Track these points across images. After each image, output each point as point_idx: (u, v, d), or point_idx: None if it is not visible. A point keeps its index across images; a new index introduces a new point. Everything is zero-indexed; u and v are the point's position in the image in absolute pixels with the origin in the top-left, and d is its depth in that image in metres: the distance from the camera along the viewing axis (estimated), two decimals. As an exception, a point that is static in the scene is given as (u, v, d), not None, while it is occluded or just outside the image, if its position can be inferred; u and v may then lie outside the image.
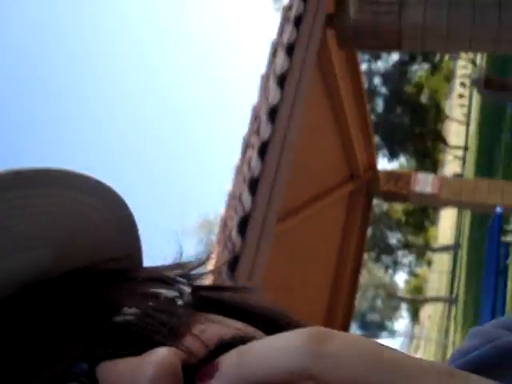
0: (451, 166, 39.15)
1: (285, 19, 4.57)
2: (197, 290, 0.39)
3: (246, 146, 4.88)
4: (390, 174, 7.33)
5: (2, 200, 0.32)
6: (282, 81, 3.90)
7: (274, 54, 4.65)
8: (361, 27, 4.47)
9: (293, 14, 4.25)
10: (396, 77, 25.58)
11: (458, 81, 36.40)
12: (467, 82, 31.34)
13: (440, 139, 30.31)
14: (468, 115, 36.63)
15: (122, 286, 0.37)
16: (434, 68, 28.16)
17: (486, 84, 11.40)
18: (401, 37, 4.47)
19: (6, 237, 0.33)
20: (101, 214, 0.38)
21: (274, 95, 3.84)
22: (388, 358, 0.23)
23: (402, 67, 25.88)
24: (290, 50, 4.02)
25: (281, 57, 4.03)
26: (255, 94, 4.87)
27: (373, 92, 25.45)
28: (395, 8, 4.45)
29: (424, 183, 6.79)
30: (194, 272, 0.41)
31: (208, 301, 0.38)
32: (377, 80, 26.21)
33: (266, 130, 3.78)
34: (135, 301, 0.35)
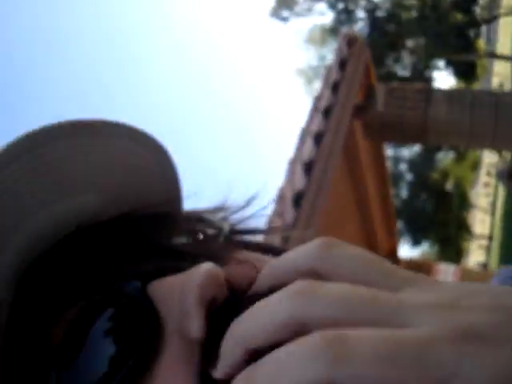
0: (475, 254, 38.58)
1: (314, 108, 4.80)
2: (234, 231, 0.41)
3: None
4: (411, 263, 7.32)
5: (69, 145, 0.36)
6: (308, 168, 4.05)
7: (302, 140, 4.85)
8: (387, 120, 4.66)
9: (323, 104, 4.47)
10: (422, 163, 25.82)
11: (484, 170, 36.54)
12: (493, 171, 31.41)
13: (464, 228, 30.05)
14: (493, 204, 36.46)
15: (167, 224, 0.39)
16: (460, 157, 28.43)
17: (510, 176, 11.47)
18: (426, 131, 4.64)
19: (63, 179, 0.36)
20: (148, 164, 0.41)
21: (300, 181, 3.98)
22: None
23: (427, 154, 26.18)
24: (318, 138, 4.21)
25: (309, 144, 4.21)
26: (281, 177, 5.04)
27: (398, 177, 25.64)
28: (421, 104, 4.65)
29: (445, 274, 6.77)
30: (235, 216, 0.43)
31: (241, 241, 0.41)
32: (402, 166, 26.46)
33: (289, 214, 3.90)
34: (180, 231, 0.38)
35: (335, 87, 4.44)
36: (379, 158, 5.48)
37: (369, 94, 4.82)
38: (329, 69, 4.77)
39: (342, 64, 4.59)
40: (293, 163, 4.85)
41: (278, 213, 4.56)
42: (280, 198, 4.99)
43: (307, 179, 4.03)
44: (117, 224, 0.38)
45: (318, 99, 4.82)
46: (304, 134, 4.81)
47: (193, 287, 0.29)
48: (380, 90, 4.78)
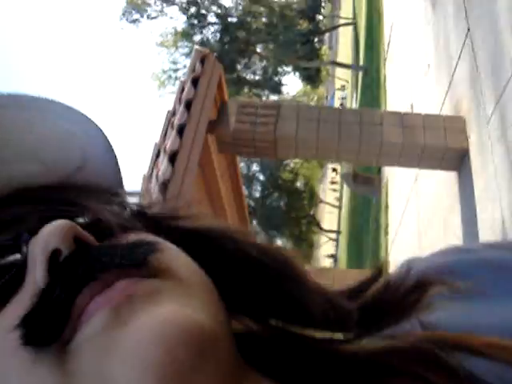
0: (326, 247, 40.98)
1: (168, 124, 4.81)
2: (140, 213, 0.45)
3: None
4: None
5: (11, 116, 0.41)
6: (164, 186, 4.05)
7: (157, 156, 4.83)
8: (239, 136, 4.80)
9: (176, 121, 4.49)
10: (273, 164, 26.79)
11: (330, 167, 38.90)
12: (338, 169, 33.49)
13: (314, 223, 31.78)
14: (340, 200, 38.96)
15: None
16: (308, 157, 29.93)
17: (354, 177, 12.40)
18: (275, 147, 4.86)
19: (8, 148, 0.41)
20: (79, 140, 0.45)
21: (156, 195, 3.98)
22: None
23: (278, 155, 27.27)
24: (173, 156, 4.22)
25: (164, 163, 4.20)
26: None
27: (251, 178, 26.38)
28: (271, 120, 4.85)
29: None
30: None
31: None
32: (255, 167, 27.28)
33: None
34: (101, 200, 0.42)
35: (188, 104, 4.48)
36: (233, 169, 5.63)
37: (221, 109, 4.93)
38: (182, 85, 4.79)
39: (195, 81, 4.64)
40: (147, 180, 4.81)
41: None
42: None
43: (163, 196, 4.02)
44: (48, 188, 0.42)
45: (171, 114, 4.83)
46: (159, 150, 4.80)
47: (40, 240, 0.34)
48: (232, 106, 4.91)
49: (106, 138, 0.47)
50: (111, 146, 0.48)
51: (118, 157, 0.48)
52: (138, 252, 0.35)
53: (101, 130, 0.47)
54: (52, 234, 0.34)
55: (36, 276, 0.34)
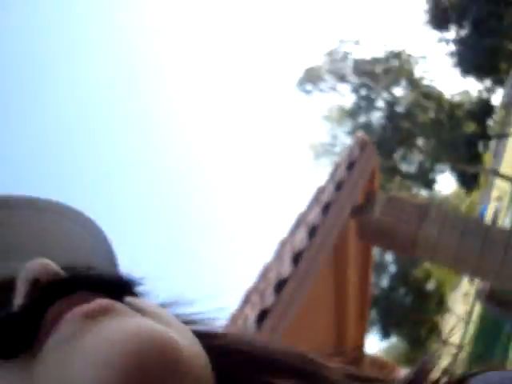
0: (443, 359, 38.15)
1: (315, 199, 5.01)
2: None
3: (245, 302, 5.10)
4: (375, 360, 7.39)
5: (21, 215, 0.46)
6: (297, 256, 4.21)
7: (296, 227, 5.03)
8: (381, 227, 4.86)
9: (324, 198, 4.67)
10: (407, 258, 25.94)
11: (466, 278, 36.69)
12: (476, 281, 31.47)
13: (436, 331, 29.94)
14: (469, 314, 36.40)
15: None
16: (446, 260, 28.63)
17: (489, 296, 11.62)
18: (414, 246, 4.83)
19: (14, 244, 0.46)
20: (87, 245, 0.49)
21: (286, 267, 4.13)
22: None
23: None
24: (313, 230, 4.39)
25: (302, 234, 4.38)
26: (269, 255, 5.19)
27: (381, 267, 25.74)
28: (415, 219, 4.86)
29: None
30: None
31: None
32: (388, 257, 26.61)
33: (270, 297, 4.03)
34: None
35: (339, 185, 4.65)
36: (366, 257, 5.65)
37: (369, 198, 5.04)
38: (337, 166, 5.00)
39: (351, 165, 4.83)
40: (282, 246, 5.01)
41: (259, 290, 4.69)
42: (263, 277, 5.13)
43: (293, 267, 4.18)
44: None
45: (320, 191, 5.03)
46: (299, 221, 5.00)
47: (22, 273, 0.38)
48: (380, 197, 5.00)
49: (109, 243, 0.52)
50: (114, 252, 0.52)
51: (118, 259, 0.52)
52: (116, 285, 0.38)
53: (105, 235, 0.52)
54: (33, 268, 0.37)
55: (16, 299, 0.38)
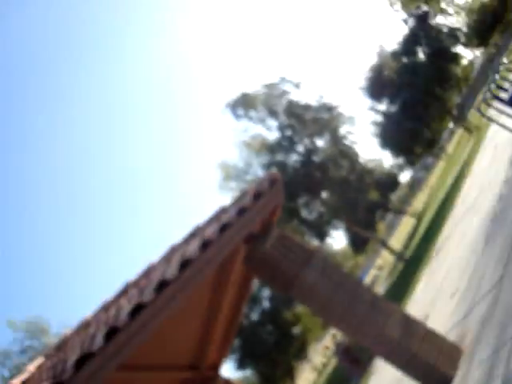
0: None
1: (215, 217, 5.26)
2: None
3: (123, 293, 5.21)
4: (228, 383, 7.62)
5: None
6: (184, 263, 4.39)
7: (191, 236, 5.24)
8: (267, 259, 5.17)
9: (224, 218, 4.91)
10: (283, 297, 26.69)
11: (331, 333, 38.22)
12: (338, 337, 32.78)
13: (290, 376, 30.84)
14: (324, 366, 37.81)
15: None
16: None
17: (345, 351, 12.36)
18: (293, 285, 5.18)
19: None
20: None
21: (171, 272, 4.30)
22: None
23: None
24: (206, 244, 4.60)
25: (195, 245, 4.59)
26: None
27: (256, 299, 26.31)
28: (300, 261, 5.22)
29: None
30: None
31: None
32: (265, 292, 27.27)
33: (148, 295, 4.17)
34: None
35: (241, 211, 4.92)
36: (246, 286, 5.94)
37: (265, 230, 5.36)
38: (244, 192, 5.29)
39: (258, 195, 5.12)
40: (173, 251, 5.19)
41: (139, 286, 4.82)
42: (146, 274, 5.26)
43: (179, 273, 4.35)
44: None
45: (222, 211, 5.29)
46: (195, 233, 5.21)
47: None
48: (275, 232, 5.33)
49: None
50: None
51: None
52: None
53: None
54: None
55: None
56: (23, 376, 4.60)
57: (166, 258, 5.09)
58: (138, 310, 3.97)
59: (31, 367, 4.79)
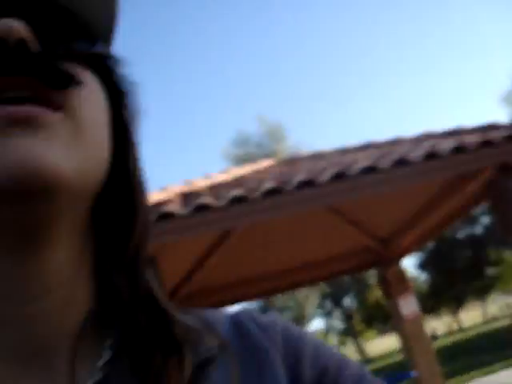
0: None
1: (488, 127, 5.06)
2: None
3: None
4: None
5: None
6: (429, 156, 4.43)
7: (450, 133, 5.17)
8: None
9: (490, 134, 4.72)
10: (497, 234, 25.11)
11: None
12: None
13: (458, 305, 29.67)
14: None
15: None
16: None
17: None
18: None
19: None
20: None
21: (412, 157, 4.40)
22: None
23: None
24: (458, 149, 4.55)
25: (449, 141, 4.57)
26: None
27: (473, 220, 24.56)
28: None
29: None
30: None
31: None
32: (485, 219, 25.51)
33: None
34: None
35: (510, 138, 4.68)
36: (470, 205, 5.80)
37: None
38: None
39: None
40: (425, 138, 5.18)
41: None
42: (392, 145, 5.39)
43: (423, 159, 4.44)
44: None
45: (491, 127, 5.07)
46: (454, 132, 5.11)
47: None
48: None
49: None
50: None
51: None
52: (61, 77, 0.35)
53: None
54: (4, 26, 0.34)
55: None
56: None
57: (418, 140, 5.14)
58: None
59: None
